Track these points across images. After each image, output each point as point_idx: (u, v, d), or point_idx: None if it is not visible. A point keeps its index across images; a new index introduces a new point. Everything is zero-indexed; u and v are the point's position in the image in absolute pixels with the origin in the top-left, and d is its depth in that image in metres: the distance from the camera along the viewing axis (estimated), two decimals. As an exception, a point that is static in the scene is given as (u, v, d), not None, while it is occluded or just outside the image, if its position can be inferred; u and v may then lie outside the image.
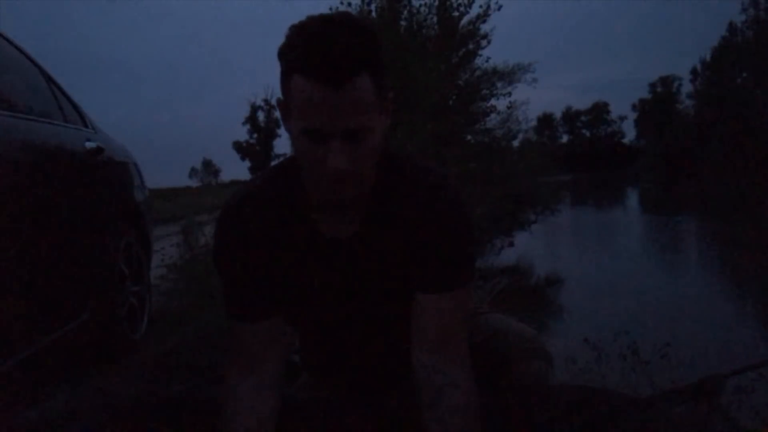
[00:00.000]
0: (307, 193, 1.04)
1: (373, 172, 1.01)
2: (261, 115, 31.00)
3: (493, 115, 11.14)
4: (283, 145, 30.68)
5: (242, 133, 33.31)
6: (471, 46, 10.95)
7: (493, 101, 11.29)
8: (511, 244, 9.06)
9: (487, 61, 11.29)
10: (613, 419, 1.11)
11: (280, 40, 0.95)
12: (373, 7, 9.85)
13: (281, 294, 1.10)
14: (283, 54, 0.92)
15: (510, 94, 11.45)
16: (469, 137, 10.99)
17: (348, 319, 1.14)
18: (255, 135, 31.50)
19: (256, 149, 31.17)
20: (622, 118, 79.75)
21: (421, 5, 10.11)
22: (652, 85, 69.00)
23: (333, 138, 0.89)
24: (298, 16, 1.02)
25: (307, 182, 1.03)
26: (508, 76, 12.21)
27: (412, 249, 1.03)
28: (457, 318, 1.05)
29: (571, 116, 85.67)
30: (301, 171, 1.04)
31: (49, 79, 2.55)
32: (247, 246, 1.06)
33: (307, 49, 0.87)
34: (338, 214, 1.04)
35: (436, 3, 10.20)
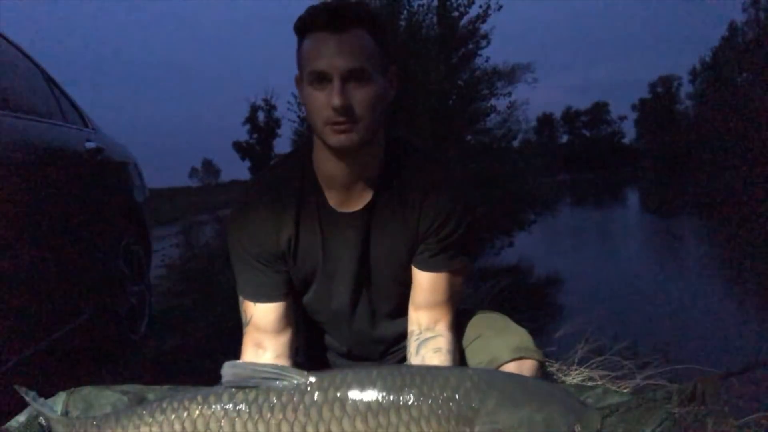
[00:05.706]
0: (316, 173, 1.12)
1: (377, 134, 1.08)
2: (261, 115, 31.06)
3: (493, 115, 11.13)
4: (283, 145, 30.65)
5: (242, 133, 33.33)
6: (471, 46, 10.95)
7: (493, 101, 11.28)
8: (511, 244, 9.07)
9: (486, 61, 11.28)
10: (612, 418, 1.11)
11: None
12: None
13: (296, 270, 1.15)
14: (296, 27, 1.04)
15: (510, 94, 11.45)
16: (469, 137, 10.99)
17: (358, 293, 1.19)
18: (255, 135, 31.52)
19: (256, 149, 31.18)
20: (622, 118, 79.40)
21: (419, 5, 10.10)
22: (652, 85, 69.02)
23: (334, 79, 0.99)
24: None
25: (316, 157, 1.11)
26: (508, 76, 12.21)
27: (414, 230, 1.12)
28: (451, 290, 1.16)
29: (571, 116, 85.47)
30: (311, 151, 1.12)
31: (49, 79, 2.55)
32: (263, 224, 1.12)
33: (314, 11, 1.01)
34: (346, 192, 1.11)
35: (435, 3, 10.19)
